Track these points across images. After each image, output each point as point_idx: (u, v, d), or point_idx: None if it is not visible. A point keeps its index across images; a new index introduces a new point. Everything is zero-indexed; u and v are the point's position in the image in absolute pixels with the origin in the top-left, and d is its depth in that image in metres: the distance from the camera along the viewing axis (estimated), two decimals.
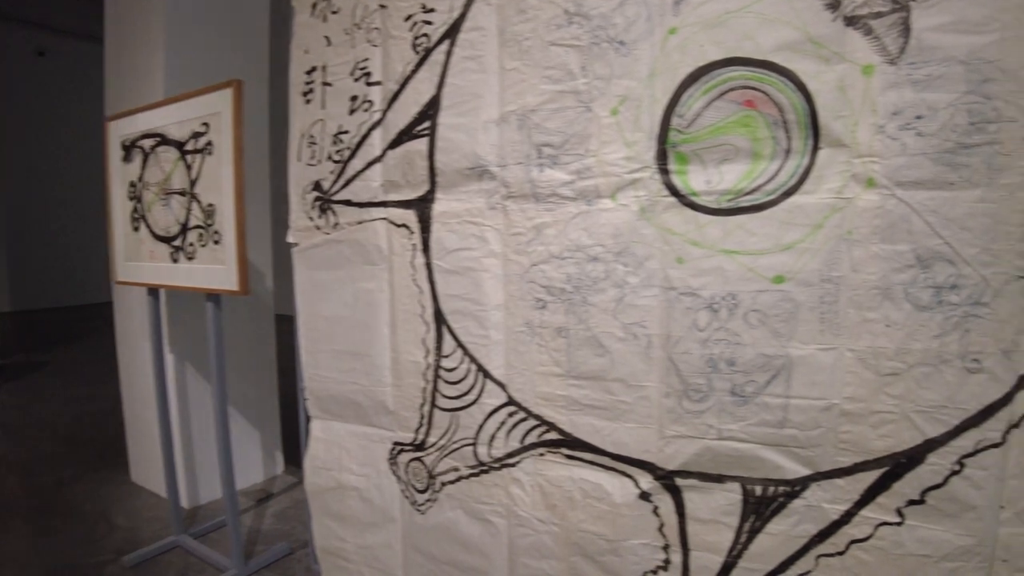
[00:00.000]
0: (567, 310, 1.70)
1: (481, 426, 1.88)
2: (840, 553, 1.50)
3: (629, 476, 1.68)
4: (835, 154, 1.39)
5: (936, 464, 1.39)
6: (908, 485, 1.42)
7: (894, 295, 1.36)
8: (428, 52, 1.89)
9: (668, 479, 1.64)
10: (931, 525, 1.41)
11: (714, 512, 1.60)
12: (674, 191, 1.54)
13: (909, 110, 1.33)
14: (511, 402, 1.82)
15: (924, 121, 1.32)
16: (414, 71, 1.93)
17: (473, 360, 1.86)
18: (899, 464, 1.42)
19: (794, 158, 1.42)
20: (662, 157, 1.54)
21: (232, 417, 3.65)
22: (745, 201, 1.46)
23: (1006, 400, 1.34)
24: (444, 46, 1.86)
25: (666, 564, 1.68)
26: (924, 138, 1.32)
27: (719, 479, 1.59)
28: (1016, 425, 1.34)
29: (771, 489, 1.54)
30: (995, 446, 1.35)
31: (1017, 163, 1.28)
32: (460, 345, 1.88)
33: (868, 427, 1.43)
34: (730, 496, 1.58)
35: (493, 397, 1.84)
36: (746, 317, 1.48)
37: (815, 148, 1.41)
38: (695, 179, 1.51)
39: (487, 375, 1.84)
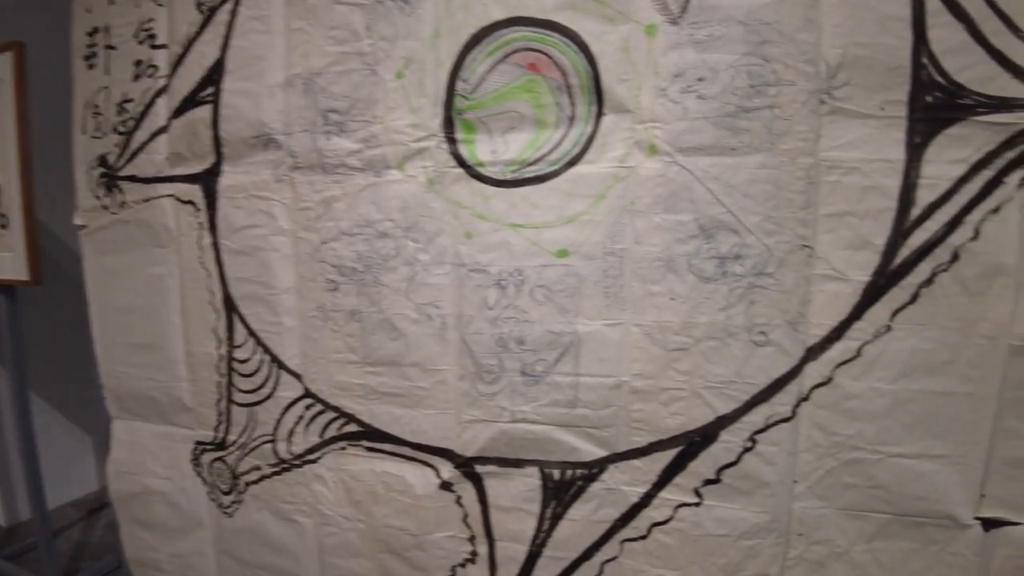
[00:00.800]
0: (359, 291, 1.51)
1: (279, 421, 1.67)
2: (643, 537, 1.40)
3: (430, 466, 1.52)
4: (619, 120, 1.26)
5: (729, 441, 1.30)
6: (703, 464, 1.33)
7: (678, 267, 1.25)
8: (213, 12, 1.63)
9: (468, 466, 1.49)
10: (728, 504, 1.33)
11: (515, 499, 1.46)
12: (461, 161, 1.37)
13: (691, 72, 1.21)
14: (308, 394, 1.61)
15: (705, 84, 1.20)
16: (198, 32, 1.66)
17: (267, 350, 1.64)
18: (693, 443, 1.32)
19: (578, 125, 1.28)
20: (448, 125, 1.37)
21: (55, 422, 3.24)
22: (529, 172, 1.31)
23: (794, 373, 1.26)
24: (229, 5, 1.60)
25: (473, 556, 1.53)
26: (705, 101, 1.21)
27: (517, 464, 1.45)
28: (806, 398, 1.27)
29: (569, 473, 1.42)
30: (785, 420, 1.27)
31: (796, 128, 1.19)
32: (252, 334, 1.66)
33: (659, 405, 1.32)
34: (529, 481, 1.45)
35: (289, 389, 1.64)
36: (532, 293, 1.34)
37: (599, 114, 1.27)
38: (482, 149, 1.35)
39: (281, 366, 1.63)
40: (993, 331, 1.18)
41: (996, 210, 1.17)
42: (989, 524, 1.23)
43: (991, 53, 1.16)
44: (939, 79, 1.16)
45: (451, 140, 1.37)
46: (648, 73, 1.23)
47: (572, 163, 1.28)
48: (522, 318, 1.35)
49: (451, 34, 1.34)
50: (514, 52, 1.30)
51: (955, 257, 1.18)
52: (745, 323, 1.24)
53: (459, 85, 1.35)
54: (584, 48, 1.26)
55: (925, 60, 1.16)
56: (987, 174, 1.17)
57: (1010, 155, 1.17)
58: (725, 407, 1.28)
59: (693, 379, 1.28)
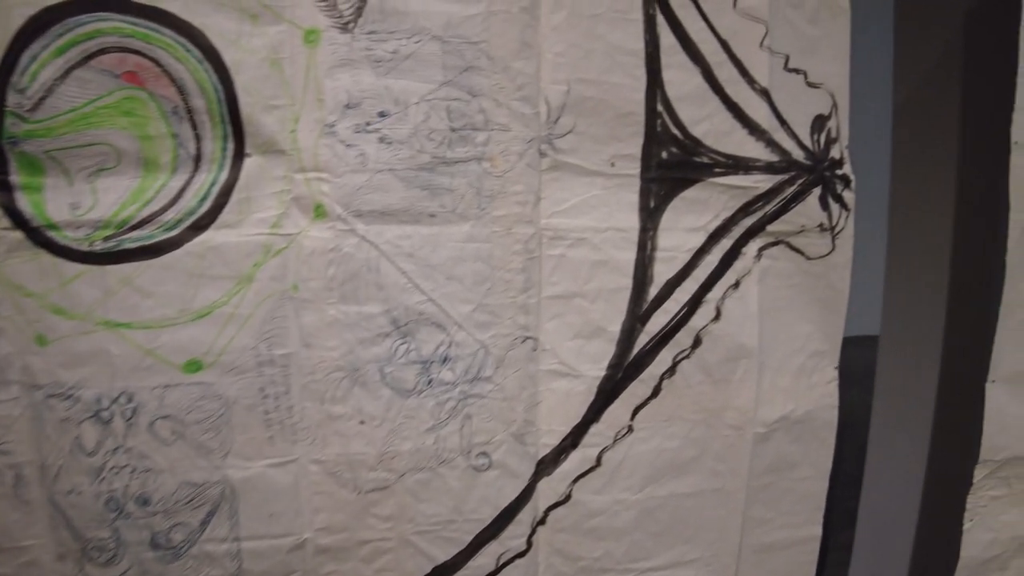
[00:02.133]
0: None
1: None
2: None
3: None
4: (268, 165, 0.84)
5: None
6: None
7: (367, 378, 0.87)
8: None
9: None
10: None
11: None
12: (20, 221, 0.83)
13: (369, 103, 0.84)
14: None
15: (391, 122, 0.84)
16: None
17: None
18: None
19: (207, 170, 0.84)
20: None
21: None
22: (132, 240, 0.83)
23: (525, 496, 0.97)
24: None
25: None
26: (391, 147, 0.84)
27: None
28: (542, 522, 0.99)
29: None
30: (520, 555, 0.98)
31: (512, 187, 0.87)
32: None
33: (359, 562, 0.94)
34: None
35: None
36: (153, 428, 0.86)
37: (239, 154, 0.84)
38: (54, 201, 0.83)
39: None
40: (738, 420, 1.03)
41: (736, 285, 0.98)
42: None
43: (727, 104, 0.94)
44: (675, 131, 0.93)
45: (1, 185, 0.82)
46: (309, 99, 0.82)
47: (199, 227, 0.84)
48: (142, 466, 0.87)
49: None
50: (102, 52, 0.81)
51: (697, 342, 0.98)
52: (461, 444, 0.91)
53: (11, 98, 0.81)
54: (212, 55, 0.81)
55: (660, 107, 0.91)
56: (725, 244, 0.96)
57: (748, 222, 0.98)
58: (444, 553, 0.96)
59: (400, 525, 0.93)
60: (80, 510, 0.88)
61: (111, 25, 0.80)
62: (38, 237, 0.83)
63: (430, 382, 0.87)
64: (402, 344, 0.86)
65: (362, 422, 0.87)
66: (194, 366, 0.85)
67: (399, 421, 0.88)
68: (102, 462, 0.86)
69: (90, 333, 0.84)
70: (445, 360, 0.87)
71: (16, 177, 0.82)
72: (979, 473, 1.18)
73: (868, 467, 1.46)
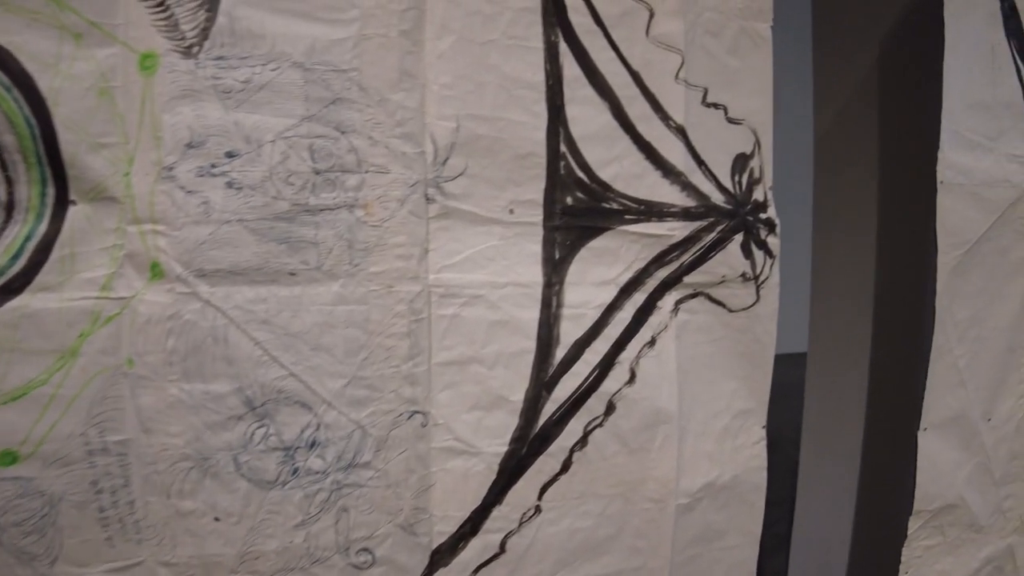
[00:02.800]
0: None
1: None
2: None
3: None
4: (97, 215, 0.69)
5: None
6: None
7: (219, 468, 0.72)
8: None
9: None
10: None
11: None
12: None
13: (216, 141, 0.70)
14: None
15: (240, 163, 0.70)
16: None
17: None
18: None
19: (20, 220, 0.68)
20: None
21: None
22: None
23: None
24: None
25: None
26: (241, 193, 0.70)
27: None
28: None
29: None
30: None
31: (392, 238, 0.73)
32: None
33: None
34: None
35: None
36: None
37: (60, 202, 0.68)
38: None
39: None
40: (659, 492, 0.92)
41: (652, 343, 0.86)
42: None
43: (639, 144, 0.84)
44: (581, 174, 0.82)
45: None
46: (145, 137, 0.68)
47: (11, 290, 0.68)
48: None
49: None
50: None
51: (611, 408, 0.87)
52: (337, 541, 0.76)
53: None
54: (24, 82, 0.66)
55: (564, 147, 0.80)
56: (639, 298, 0.85)
57: (663, 274, 0.87)
58: None
59: None
60: None
61: None
62: None
63: (295, 471, 0.72)
64: (259, 428, 0.71)
65: (217, 519, 0.71)
66: (8, 458, 0.67)
67: (261, 517, 0.72)
68: None
69: None
70: (313, 445, 0.72)
71: None
72: (913, 524, 1.10)
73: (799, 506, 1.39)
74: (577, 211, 0.81)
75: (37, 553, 0.70)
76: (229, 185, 0.69)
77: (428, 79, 0.76)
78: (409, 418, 0.76)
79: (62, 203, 0.68)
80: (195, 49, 0.69)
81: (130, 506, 0.71)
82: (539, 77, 0.80)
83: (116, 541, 0.71)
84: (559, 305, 0.81)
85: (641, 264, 0.84)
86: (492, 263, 0.78)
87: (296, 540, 0.74)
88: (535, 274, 0.80)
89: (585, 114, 0.82)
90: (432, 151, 0.76)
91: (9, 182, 0.68)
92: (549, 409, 0.82)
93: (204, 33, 0.70)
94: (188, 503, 0.71)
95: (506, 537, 0.83)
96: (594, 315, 0.83)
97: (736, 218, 0.90)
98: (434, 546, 0.80)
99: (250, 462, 0.72)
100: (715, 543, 0.96)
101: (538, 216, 0.80)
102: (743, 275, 0.91)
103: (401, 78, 0.74)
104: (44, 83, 0.66)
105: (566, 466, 0.83)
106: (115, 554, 0.71)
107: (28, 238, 0.68)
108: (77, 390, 0.68)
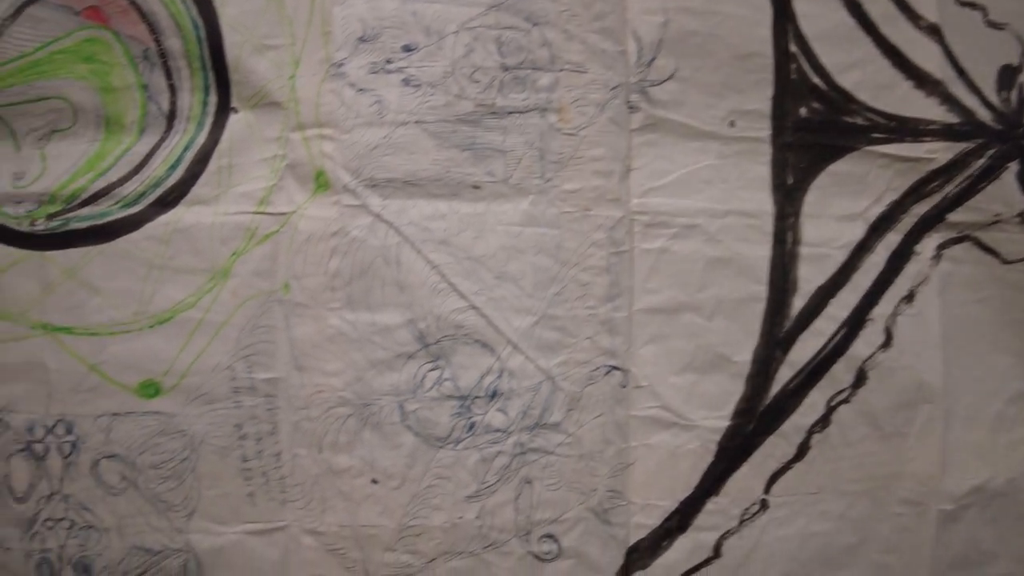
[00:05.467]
0: None
1: None
2: None
3: None
4: (259, 122, 0.58)
5: None
6: None
7: (382, 417, 0.57)
8: None
9: None
10: None
11: None
12: None
13: (390, 34, 0.57)
14: None
15: (419, 57, 0.57)
16: None
17: None
18: None
19: (182, 130, 0.58)
20: None
21: None
22: (81, 218, 0.58)
23: None
24: None
25: None
26: (419, 91, 0.56)
27: None
28: None
29: None
30: None
31: (590, 151, 0.55)
32: None
33: None
34: None
35: None
36: (98, 470, 0.58)
37: (222, 109, 0.57)
38: None
39: None
40: (917, 492, 0.65)
41: (909, 298, 0.60)
42: None
43: (883, 47, 0.61)
44: (816, 80, 0.59)
45: None
46: (313, 35, 0.54)
47: (166, 203, 0.58)
48: (82, 521, 0.58)
49: None
50: None
51: (861, 378, 0.63)
52: (517, 521, 0.57)
53: None
54: None
55: (794, 47, 0.58)
56: (892, 239, 0.62)
57: (921, 209, 0.62)
58: None
59: None
60: (6, 572, 0.58)
61: None
62: None
63: (471, 427, 0.55)
64: (432, 370, 0.55)
65: (375, 480, 0.55)
66: (150, 389, 0.56)
67: (427, 482, 0.56)
68: (35, 511, 0.58)
69: (24, 339, 0.57)
70: (494, 396, 0.55)
71: None
72: None
73: None
74: (814, 125, 0.60)
75: (174, 503, 0.58)
76: (406, 82, 0.55)
77: None
78: (606, 374, 0.57)
79: (223, 110, 0.58)
80: None
81: (276, 458, 0.57)
82: None
83: (258, 499, 0.57)
84: (795, 242, 0.59)
85: (895, 195, 0.61)
86: (709, 186, 0.58)
87: (467, 516, 0.56)
88: (763, 201, 0.59)
89: (816, 9, 0.61)
90: (635, 50, 0.58)
91: (173, 90, 0.58)
92: (784, 375, 0.59)
93: None
94: (343, 459, 0.56)
95: (722, 538, 0.61)
96: (840, 257, 0.60)
97: (1009, 142, 0.64)
98: (631, 542, 0.59)
99: (418, 411, 0.55)
100: (983, 568, 0.67)
101: (765, 130, 0.59)
102: (1021, 215, 0.64)
103: None
104: None
105: (802, 451, 0.60)
106: (256, 514, 0.57)
107: (187, 148, 0.58)
108: (226, 316, 0.56)
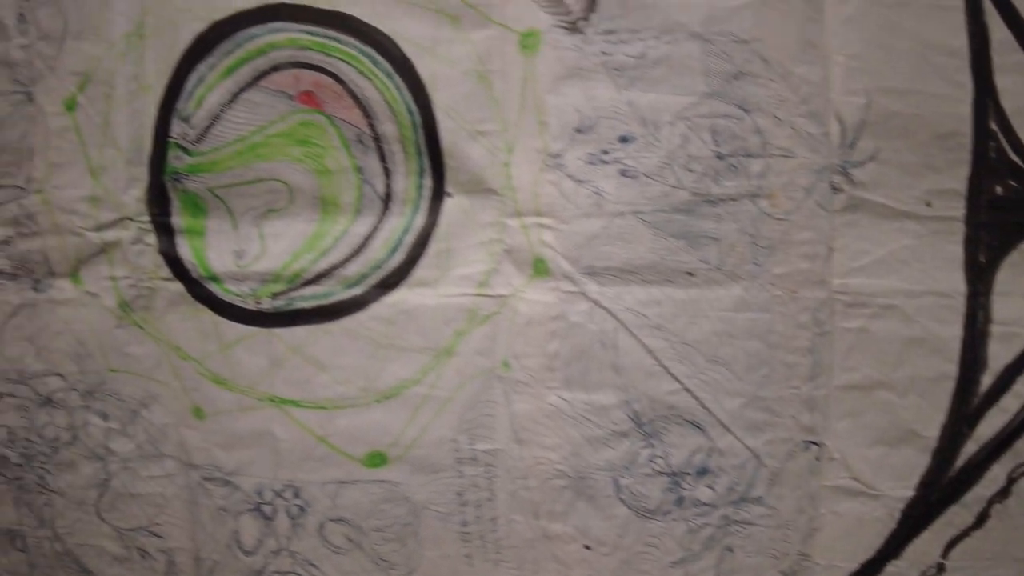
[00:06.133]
0: (17, 499, 0.68)
1: None
2: None
3: None
4: (475, 208, 0.59)
5: None
6: None
7: (597, 490, 0.59)
8: None
9: None
10: None
11: None
12: (181, 271, 0.61)
13: (606, 124, 0.57)
14: None
15: (636, 148, 0.56)
16: None
17: None
18: None
19: (399, 213, 0.60)
20: (158, 200, 0.61)
21: None
22: (306, 298, 0.60)
23: None
24: None
25: None
26: (637, 182, 0.56)
27: None
28: None
29: None
30: None
31: (798, 235, 0.55)
32: None
33: None
34: None
35: None
36: (324, 531, 0.61)
37: (438, 194, 0.58)
38: (216, 248, 0.62)
39: None
40: None
41: None
42: None
43: None
44: (1015, 157, 0.58)
45: (162, 228, 0.61)
46: (527, 123, 0.55)
47: (388, 284, 0.59)
48: (307, 575, 0.60)
49: (161, 32, 0.59)
50: (274, 70, 0.58)
51: None
52: None
53: (176, 127, 0.60)
54: (405, 68, 0.56)
55: (993, 124, 0.57)
56: None
57: None
58: None
59: None
60: None
61: (285, 37, 0.58)
62: (199, 291, 0.61)
63: (681, 501, 0.57)
64: (645, 448, 0.56)
65: (587, 547, 0.58)
66: (377, 459, 0.59)
67: (637, 549, 0.58)
68: (262, 564, 0.62)
69: (253, 410, 0.61)
70: (703, 472, 0.57)
71: (179, 219, 0.61)
72: None
73: None
74: (1009, 204, 0.59)
75: (396, 562, 0.61)
76: (623, 173, 0.56)
77: (830, 48, 0.57)
78: (805, 449, 0.58)
79: (438, 195, 0.59)
80: (581, 23, 0.57)
81: (492, 523, 0.59)
82: (960, 41, 0.58)
83: (475, 559, 0.60)
84: (986, 320, 0.59)
85: None
86: (906, 267, 0.58)
87: None
88: (956, 281, 0.58)
89: (1018, 85, 0.59)
90: (838, 132, 0.57)
91: (388, 173, 0.59)
92: (969, 449, 0.60)
93: (591, 5, 0.56)
94: (557, 526, 0.58)
95: None
96: None
97: None
98: None
99: (632, 486, 0.57)
100: None
101: (960, 209, 0.59)
102: None
103: (803, 48, 0.57)
104: (423, 69, 0.57)
105: (981, 519, 0.61)
106: (472, 573, 0.60)
107: (406, 231, 0.59)
108: (451, 392, 0.58)
